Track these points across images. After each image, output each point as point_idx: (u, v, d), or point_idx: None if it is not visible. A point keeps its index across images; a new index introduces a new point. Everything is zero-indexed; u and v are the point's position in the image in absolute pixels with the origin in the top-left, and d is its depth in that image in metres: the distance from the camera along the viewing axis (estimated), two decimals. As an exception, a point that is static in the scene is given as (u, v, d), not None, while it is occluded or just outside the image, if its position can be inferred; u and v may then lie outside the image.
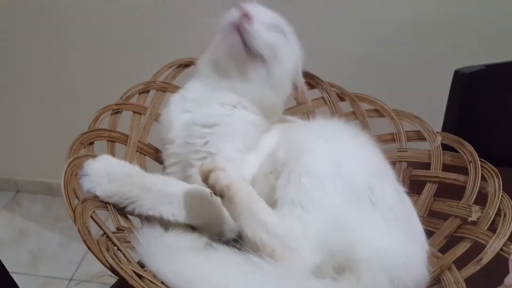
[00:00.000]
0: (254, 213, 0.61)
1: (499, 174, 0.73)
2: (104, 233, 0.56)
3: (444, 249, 0.71)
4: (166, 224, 0.68)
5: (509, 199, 0.68)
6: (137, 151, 0.79)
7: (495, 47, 1.40)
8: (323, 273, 0.61)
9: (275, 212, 0.64)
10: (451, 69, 1.14)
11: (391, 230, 0.65)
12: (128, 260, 0.54)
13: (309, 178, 0.65)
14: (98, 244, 0.49)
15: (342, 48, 1.47)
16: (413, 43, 1.44)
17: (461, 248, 0.67)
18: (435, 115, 1.06)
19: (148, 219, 0.68)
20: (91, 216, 0.57)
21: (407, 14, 1.40)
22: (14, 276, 1.01)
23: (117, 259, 0.49)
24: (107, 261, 0.46)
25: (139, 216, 0.67)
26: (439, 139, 0.86)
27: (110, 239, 0.55)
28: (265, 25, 0.76)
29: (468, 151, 0.80)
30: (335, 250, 0.61)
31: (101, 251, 0.48)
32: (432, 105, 1.14)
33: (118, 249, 0.54)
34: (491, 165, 0.75)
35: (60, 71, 1.77)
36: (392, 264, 0.62)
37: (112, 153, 0.74)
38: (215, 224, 0.68)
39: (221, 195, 0.62)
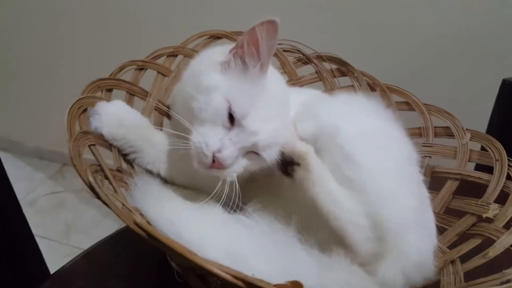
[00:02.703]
0: (326, 183, 0.61)
1: (526, 173, 0.67)
2: (99, 164, 0.57)
3: (454, 247, 0.66)
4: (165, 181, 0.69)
5: (532, 198, 0.62)
6: (155, 109, 0.80)
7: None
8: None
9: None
10: (499, 79, 1.08)
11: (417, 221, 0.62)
12: (116, 192, 0.55)
13: (347, 163, 0.63)
14: (85, 165, 0.50)
15: (391, 48, 1.43)
16: (462, 51, 1.37)
17: (470, 244, 0.63)
18: (478, 124, 1.01)
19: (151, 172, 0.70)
20: (90, 147, 0.59)
21: (461, 23, 1.34)
22: (46, 242, 1.07)
23: (101, 182, 0.50)
24: (88, 179, 0.47)
25: (139, 166, 0.68)
26: (467, 136, 0.81)
27: (103, 170, 0.56)
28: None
29: (496, 149, 0.75)
30: (389, 233, 0.59)
31: (86, 171, 0.49)
32: (475, 114, 1.08)
33: (109, 181, 0.55)
34: None
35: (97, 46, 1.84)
36: (413, 259, 0.60)
37: (130, 106, 0.75)
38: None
39: (297, 162, 0.62)
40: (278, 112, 0.63)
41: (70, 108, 0.60)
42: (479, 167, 0.82)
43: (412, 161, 0.68)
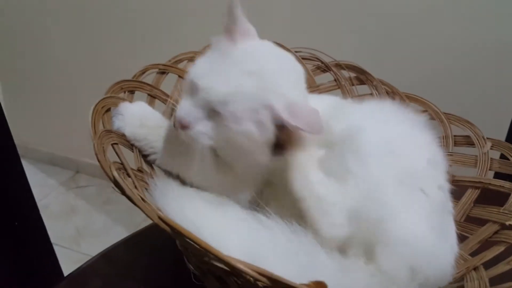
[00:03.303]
0: (305, 170, 0.61)
1: (550, 181, 0.66)
2: (121, 162, 0.57)
3: (476, 254, 0.65)
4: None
5: (556, 205, 0.61)
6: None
7: None
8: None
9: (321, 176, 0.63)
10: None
11: (429, 221, 0.61)
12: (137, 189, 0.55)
13: (355, 154, 0.63)
14: (109, 161, 0.51)
15: (410, 56, 1.43)
16: (482, 59, 1.36)
17: (493, 251, 0.61)
18: (498, 132, 1.00)
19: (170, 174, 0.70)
20: (112, 146, 0.59)
21: (481, 30, 1.34)
22: (56, 248, 1.08)
23: (124, 179, 0.50)
24: (112, 174, 0.47)
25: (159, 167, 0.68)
26: (488, 145, 0.80)
27: (126, 169, 0.57)
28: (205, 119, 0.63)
29: (518, 157, 0.73)
30: (368, 222, 0.59)
31: (110, 166, 0.49)
32: (495, 121, 1.07)
33: (129, 176, 0.55)
34: None
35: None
36: (418, 254, 0.58)
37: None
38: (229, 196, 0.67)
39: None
40: (246, 70, 0.60)
41: (95, 107, 0.60)
42: (498, 176, 0.81)
43: (436, 167, 0.68)
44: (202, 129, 0.61)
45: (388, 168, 0.62)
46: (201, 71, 0.63)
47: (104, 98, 0.64)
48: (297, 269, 0.54)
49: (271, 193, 0.69)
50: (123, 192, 0.47)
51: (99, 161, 0.50)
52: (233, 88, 0.59)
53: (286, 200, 0.66)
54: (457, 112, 0.91)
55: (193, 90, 0.62)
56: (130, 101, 0.71)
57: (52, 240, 1.70)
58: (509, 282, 0.44)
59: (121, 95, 0.71)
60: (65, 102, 2.08)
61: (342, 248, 0.60)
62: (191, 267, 0.64)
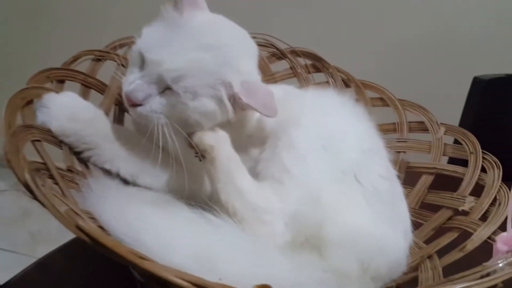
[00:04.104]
0: (232, 178, 0.58)
1: (500, 165, 0.65)
2: (43, 162, 0.51)
3: (430, 241, 0.64)
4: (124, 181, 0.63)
5: (507, 189, 0.60)
6: (115, 104, 0.75)
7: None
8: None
9: (255, 183, 0.60)
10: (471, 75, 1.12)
11: (372, 212, 0.59)
12: (63, 194, 0.49)
13: (290, 152, 0.61)
14: (22, 161, 0.44)
15: (366, 44, 1.42)
16: (436, 49, 1.38)
17: (447, 238, 0.60)
18: (451, 119, 1.00)
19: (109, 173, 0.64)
20: (33, 143, 0.52)
21: (436, 22, 1.35)
22: (11, 255, 0.99)
23: (42, 182, 0.44)
24: (23, 176, 0.41)
25: (96, 166, 0.62)
26: (442, 130, 0.79)
27: (49, 170, 0.50)
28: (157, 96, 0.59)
29: (470, 142, 0.73)
30: (308, 226, 0.57)
31: (21, 164, 0.43)
32: (448, 109, 1.08)
33: (53, 178, 0.49)
34: (493, 157, 0.69)
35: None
36: (366, 246, 0.56)
37: (85, 100, 0.69)
38: (177, 191, 0.63)
39: (203, 155, 0.59)
40: (199, 44, 0.58)
41: (10, 100, 0.53)
42: (452, 161, 0.81)
43: (375, 156, 0.66)
44: (155, 107, 0.57)
45: (324, 165, 0.60)
46: (149, 42, 0.58)
47: (24, 89, 0.56)
48: (249, 268, 0.51)
49: None
50: (35, 197, 0.41)
51: (8, 160, 0.43)
52: (187, 63, 0.56)
53: None
54: (412, 99, 0.90)
55: (141, 63, 0.58)
56: (59, 92, 0.63)
57: (5, 246, 1.59)
58: (462, 271, 0.42)
59: (48, 85, 0.63)
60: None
61: (296, 245, 0.57)
62: (136, 274, 0.58)
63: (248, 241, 0.54)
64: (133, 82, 0.57)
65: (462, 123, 1.09)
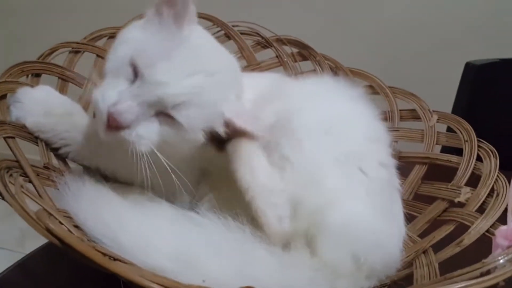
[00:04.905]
0: (249, 158, 0.55)
1: (496, 154, 0.63)
2: (17, 160, 0.48)
3: (425, 235, 0.61)
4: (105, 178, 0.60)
5: (505, 179, 0.58)
6: (95, 98, 0.72)
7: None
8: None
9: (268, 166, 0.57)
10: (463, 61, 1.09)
11: (370, 203, 0.56)
12: (39, 195, 0.46)
13: (290, 138, 0.58)
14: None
15: (354, 30, 1.39)
16: (427, 34, 1.35)
17: (442, 232, 0.57)
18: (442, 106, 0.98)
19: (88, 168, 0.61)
20: (5, 140, 0.49)
21: (427, 6, 1.32)
22: (1, 251, 0.96)
23: (11, 182, 0.41)
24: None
25: (74, 162, 0.59)
26: (434, 118, 0.77)
27: (22, 168, 0.47)
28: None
29: (465, 130, 0.71)
30: (311, 210, 0.54)
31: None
32: (440, 96, 1.06)
33: (27, 176, 0.46)
34: (489, 145, 0.66)
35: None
36: (361, 239, 0.54)
37: (62, 93, 0.66)
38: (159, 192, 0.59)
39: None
40: (202, 69, 0.53)
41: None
42: (445, 150, 0.78)
43: (377, 142, 0.63)
44: (143, 133, 0.50)
45: (325, 150, 0.57)
46: (145, 53, 0.51)
47: (-2, 83, 0.53)
48: (234, 268, 0.48)
49: (209, 183, 0.62)
50: (2, 197, 0.38)
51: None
52: (192, 88, 0.51)
53: (224, 190, 0.60)
54: (402, 86, 0.87)
55: (133, 76, 0.50)
56: (34, 86, 0.60)
57: (-3, 244, 1.56)
58: (459, 267, 0.39)
59: (23, 79, 0.60)
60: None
61: (285, 242, 0.55)
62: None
63: (234, 240, 0.51)
64: (120, 101, 0.49)
65: (455, 110, 1.07)
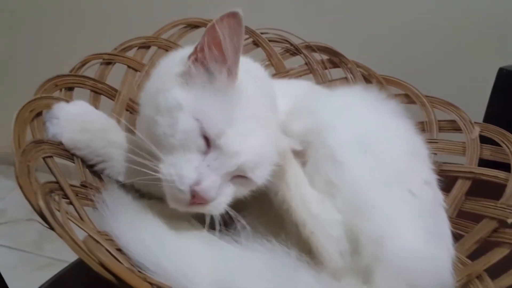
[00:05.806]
0: (300, 186, 0.55)
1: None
2: (57, 181, 0.46)
3: (474, 256, 0.59)
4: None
5: None
6: (126, 109, 0.70)
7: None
8: None
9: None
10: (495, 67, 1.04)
11: (423, 227, 0.54)
12: (80, 218, 0.45)
13: (330, 160, 0.56)
14: (35, 185, 0.39)
15: (385, 37, 1.35)
16: (458, 41, 1.31)
17: (497, 255, 0.54)
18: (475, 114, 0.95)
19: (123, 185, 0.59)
20: (45, 160, 0.48)
21: (458, 12, 1.28)
22: (20, 253, 0.96)
23: (56, 208, 0.39)
24: (38, 204, 0.36)
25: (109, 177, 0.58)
26: (477, 130, 0.74)
27: (63, 189, 0.46)
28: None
29: (511, 143, 0.67)
30: (366, 245, 0.52)
31: (36, 193, 0.38)
32: (473, 103, 1.02)
33: (69, 200, 0.44)
34: None
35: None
36: (417, 267, 0.52)
37: (95, 106, 0.64)
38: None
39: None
40: (261, 122, 0.52)
41: (19, 113, 0.49)
42: (483, 164, 0.74)
43: (418, 158, 0.61)
44: (223, 200, 0.51)
45: (369, 172, 0.55)
46: (213, 121, 0.49)
47: (32, 101, 0.52)
48: None
49: (242, 202, 0.60)
50: (51, 228, 0.36)
51: (20, 186, 0.38)
52: (260, 149, 0.51)
53: (266, 212, 0.58)
54: (431, 93, 0.85)
55: (204, 146, 0.49)
56: (69, 101, 0.59)
57: (14, 245, 1.56)
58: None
59: (56, 94, 0.59)
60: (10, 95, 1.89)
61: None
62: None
63: (278, 265, 0.49)
64: (203, 178, 0.48)
65: (486, 119, 1.03)
